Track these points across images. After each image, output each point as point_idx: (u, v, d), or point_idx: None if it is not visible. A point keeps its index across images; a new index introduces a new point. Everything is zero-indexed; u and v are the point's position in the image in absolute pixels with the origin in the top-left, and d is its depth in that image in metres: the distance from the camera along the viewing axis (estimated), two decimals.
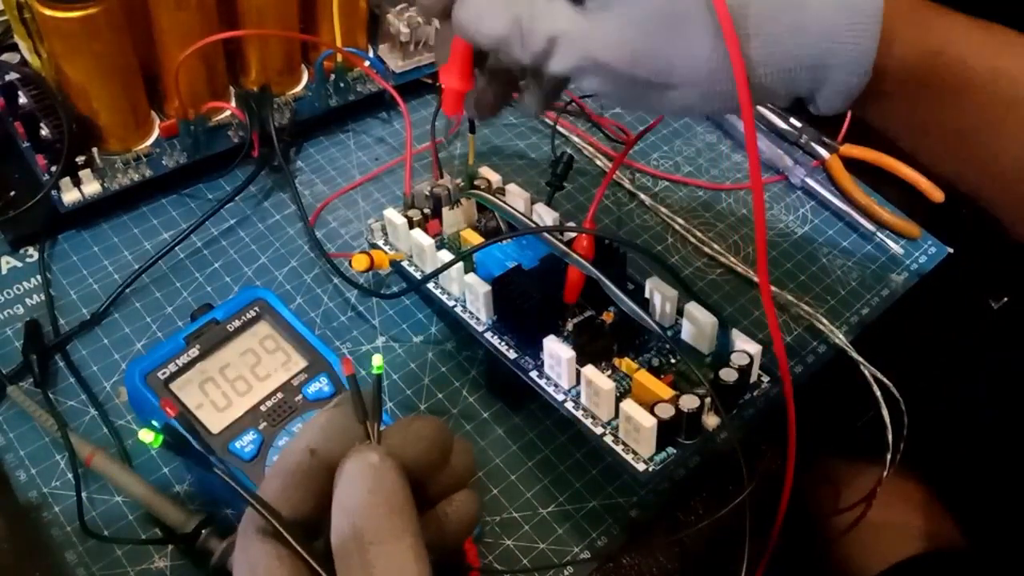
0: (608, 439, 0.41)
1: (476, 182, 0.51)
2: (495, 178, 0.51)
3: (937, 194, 0.60)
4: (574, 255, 0.44)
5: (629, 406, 0.39)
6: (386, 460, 0.26)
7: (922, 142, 0.38)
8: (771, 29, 0.33)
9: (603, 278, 0.43)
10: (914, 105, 0.36)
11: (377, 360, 0.29)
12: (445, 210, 0.50)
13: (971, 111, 0.35)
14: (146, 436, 0.37)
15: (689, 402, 0.40)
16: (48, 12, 0.47)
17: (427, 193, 0.50)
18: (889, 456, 0.49)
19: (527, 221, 0.47)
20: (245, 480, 0.39)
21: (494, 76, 0.40)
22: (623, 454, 0.40)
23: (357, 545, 0.25)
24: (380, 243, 0.51)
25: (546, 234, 0.45)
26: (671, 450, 0.40)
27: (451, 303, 0.47)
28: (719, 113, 0.37)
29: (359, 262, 0.47)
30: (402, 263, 0.49)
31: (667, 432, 0.40)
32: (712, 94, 0.34)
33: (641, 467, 0.40)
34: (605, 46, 0.34)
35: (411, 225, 0.49)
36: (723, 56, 0.32)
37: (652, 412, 0.39)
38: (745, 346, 0.42)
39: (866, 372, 0.50)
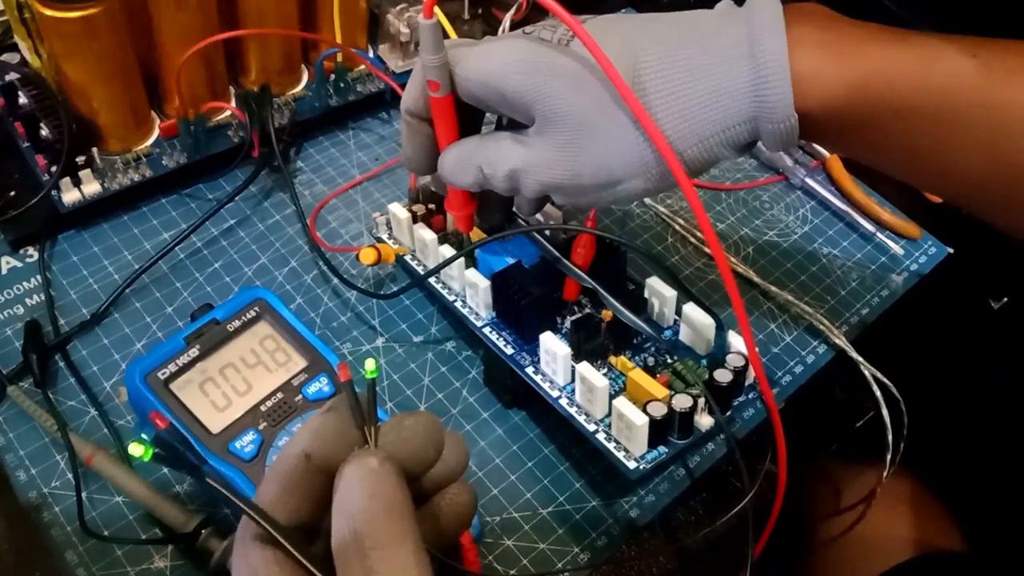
0: (601, 436, 0.41)
1: None
2: None
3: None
4: (565, 262, 0.44)
5: (622, 404, 0.40)
6: (385, 464, 0.26)
7: (876, 162, 0.38)
8: (684, 105, 0.35)
9: (597, 286, 0.44)
10: (855, 134, 0.36)
11: (370, 364, 0.29)
12: None
13: (913, 130, 0.35)
14: (136, 450, 0.37)
15: (682, 401, 0.40)
16: (48, 12, 0.47)
17: (432, 188, 0.50)
18: (889, 456, 0.49)
19: (523, 221, 0.47)
20: (245, 481, 0.39)
21: (488, 195, 0.44)
22: (615, 451, 0.40)
23: (358, 550, 0.25)
24: (384, 237, 0.51)
25: (543, 240, 0.46)
26: (663, 449, 0.41)
27: (451, 298, 0.47)
28: (671, 189, 0.39)
29: (366, 256, 0.48)
30: (406, 257, 0.50)
31: (659, 431, 0.40)
32: (653, 177, 0.37)
33: (632, 465, 0.40)
34: (548, 169, 0.38)
35: (415, 220, 0.49)
36: (648, 142, 0.35)
37: (645, 411, 0.39)
38: (741, 348, 0.42)
39: (866, 372, 0.50)
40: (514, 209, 0.47)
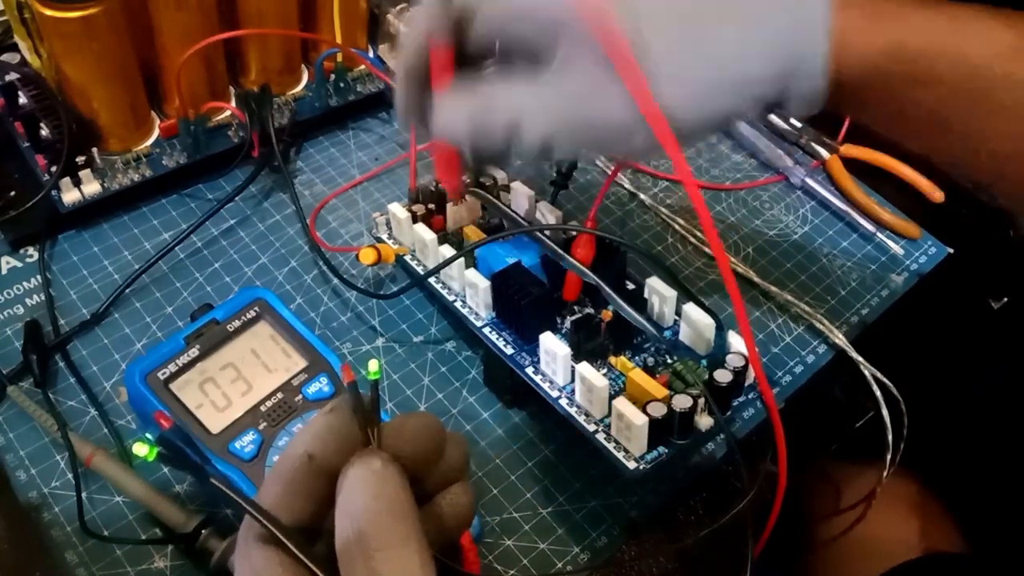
0: (600, 436, 0.41)
1: (481, 179, 0.51)
2: (501, 175, 0.51)
3: (937, 194, 0.60)
4: (569, 258, 0.44)
5: (621, 404, 0.39)
6: (388, 466, 0.26)
7: (904, 133, 0.38)
8: (714, 50, 0.34)
9: (600, 282, 0.44)
10: (884, 99, 0.35)
11: (373, 365, 0.29)
12: (449, 205, 0.50)
13: (944, 99, 0.35)
14: (140, 449, 0.37)
15: (682, 402, 0.40)
16: (48, 12, 0.47)
17: (432, 188, 0.50)
18: (889, 457, 0.49)
19: (522, 221, 0.47)
20: (245, 481, 0.39)
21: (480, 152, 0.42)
22: (615, 452, 0.40)
23: (362, 551, 0.25)
24: (384, 237, 0.51)
25: (544, 238, 0.46)
26: (663, 449, 0.41)
27: (451, 298, 0.47)
28: (688, 145, 0.37)
29: (366, 256, 0.48)
30: (406, 257, 0.50)
31: (659, 431, 0.40)
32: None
33: (632, 465, 0.40)
34: (558, 112, 0.36)
35: (415, 220, 0.49)
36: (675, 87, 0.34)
37: (645, 411, 0.39)
38: (741, 348, 0.42)
39: (866, 372, 0.50)
40: (508, 168, 0.46)
